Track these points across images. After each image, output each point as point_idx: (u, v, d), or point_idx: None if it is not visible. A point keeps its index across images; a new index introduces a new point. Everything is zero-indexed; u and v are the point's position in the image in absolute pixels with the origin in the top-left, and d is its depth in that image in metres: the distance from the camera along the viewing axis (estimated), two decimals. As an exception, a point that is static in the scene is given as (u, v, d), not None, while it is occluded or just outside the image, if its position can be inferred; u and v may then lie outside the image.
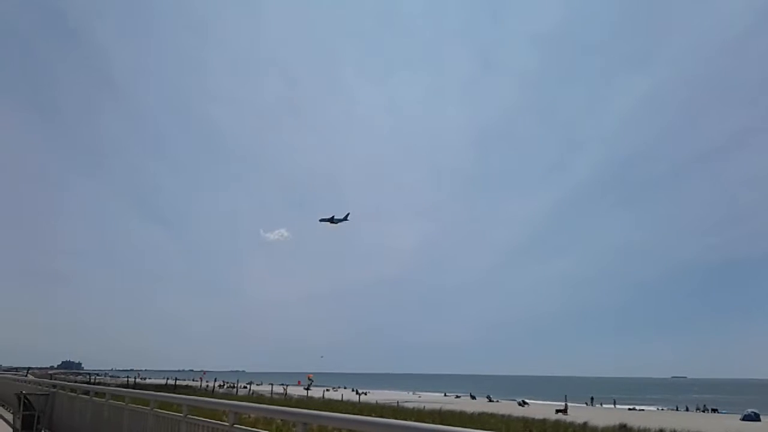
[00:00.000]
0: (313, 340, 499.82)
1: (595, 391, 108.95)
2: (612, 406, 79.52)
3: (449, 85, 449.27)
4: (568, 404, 61.19)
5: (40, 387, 20.37)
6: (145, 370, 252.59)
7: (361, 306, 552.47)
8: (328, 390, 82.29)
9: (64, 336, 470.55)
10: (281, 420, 20.90)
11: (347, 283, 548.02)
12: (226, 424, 6.45)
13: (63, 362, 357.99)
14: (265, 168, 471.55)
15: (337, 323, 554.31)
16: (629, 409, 70.97)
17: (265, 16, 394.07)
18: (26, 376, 52.42)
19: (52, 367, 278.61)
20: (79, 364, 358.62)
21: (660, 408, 78.13)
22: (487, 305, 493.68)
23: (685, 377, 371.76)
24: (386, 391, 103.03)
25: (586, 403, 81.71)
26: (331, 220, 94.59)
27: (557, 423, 32.40)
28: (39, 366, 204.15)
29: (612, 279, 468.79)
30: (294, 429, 17.12)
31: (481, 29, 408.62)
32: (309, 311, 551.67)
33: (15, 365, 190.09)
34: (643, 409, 70.30)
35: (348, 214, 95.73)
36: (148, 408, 9.18)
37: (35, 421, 15.94)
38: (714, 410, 74.80)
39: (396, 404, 49.05)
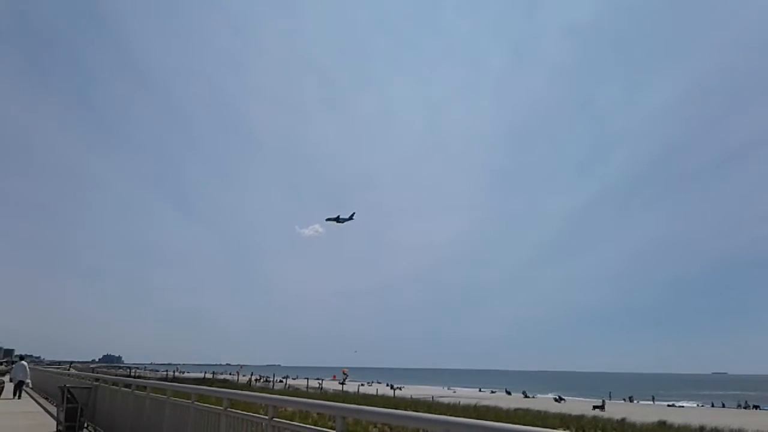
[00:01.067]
0: (347, 335, 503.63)
1: (632, 387, 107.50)
2: (650, 402, 78.26)
3: (483, 80, 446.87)
4: (605, 400, 60.39)
5: (82, 380, 20.84)
6: (183, 364, 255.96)
7: (394, 302, 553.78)
8: (362, 385, 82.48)
9: (104, 331, 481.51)
10: (317, 414, 21.15)
11: (381, 278, 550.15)
12: (266, 417, 6.49)
13: (104, 356, 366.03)
14: (300, 164, 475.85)
15: (370, 319, 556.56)
16: (668, 405, 69.70)
17: (301, 14, 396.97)
18: (69, 370, 53.65)
19: (93, 361, 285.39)
20: (119, 358, 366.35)
21: (700, 404, 76.60)
22: (522, 300, 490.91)
23: (726, 373, 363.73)
24: (421, 387, 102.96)
25: (624, 400, 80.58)
26: (337, 219, 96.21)
27: (595, 419, 32.05)
28: (81, 360, 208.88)
29: (649, 274, 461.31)
30: (330, 423, 17.23)
31: (515, 23, 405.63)
32: (343, 306, 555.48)
33: (58, 359, 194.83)
34: (682, 406, 68.98)
35: (353, 214, 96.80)
36: (189, 401, 9.30)
37: (78, 414, 16.29)
38: (756, 407, 73.04)
39: (431, 399, 49.02)
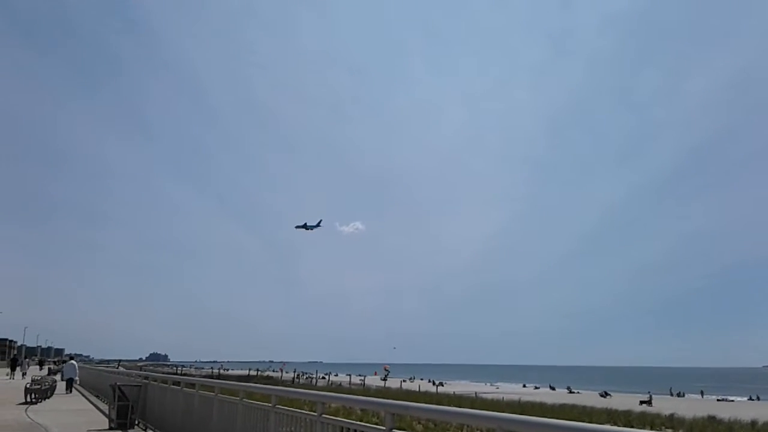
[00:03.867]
0: (386, 331, 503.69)
1: (679, 381, 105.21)
2: (699, 396, 76.51)
3: (519, 71, 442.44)
4: (653, 395, 59.26)
5: (132, 379, 21.32)
6: (227, 361, 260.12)
7: (434, 298, 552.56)
8: (404, 381, 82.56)
9: (151, 329, 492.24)
10: (360, 410, 21.22)
11: (420, 274, 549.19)
12: (315, 414, 6.54)
13: (150, 354, 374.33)
14: (339, 162, 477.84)
15: (410, 314, 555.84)
16: (718, 399, 68.01)
17: (332, 10, 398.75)
18: (117, 368, 54.95)
19: (140, 360, 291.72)
20: (166, 356, 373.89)
21: (751, 398, 74.50)
22: (564, 294, 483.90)
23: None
24: (463, 382, 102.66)
25: (671, 394, 78.96)
26: (305, 226, 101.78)
27: (642, 414, 31.52)
28: (128, 359, 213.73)
29: (693, 266, 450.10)
30: (375, 419, 17.28)
31: (551, 13, 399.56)
32: (383, 303, 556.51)
33: (106, 358, 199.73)
34: (733, 400, 67.20)
35: (320, 221, 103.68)
36: (237, 398, 9.42)
37: (129, 411, 16.69)
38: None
39: (474, 395, 48.81)
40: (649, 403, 51.12)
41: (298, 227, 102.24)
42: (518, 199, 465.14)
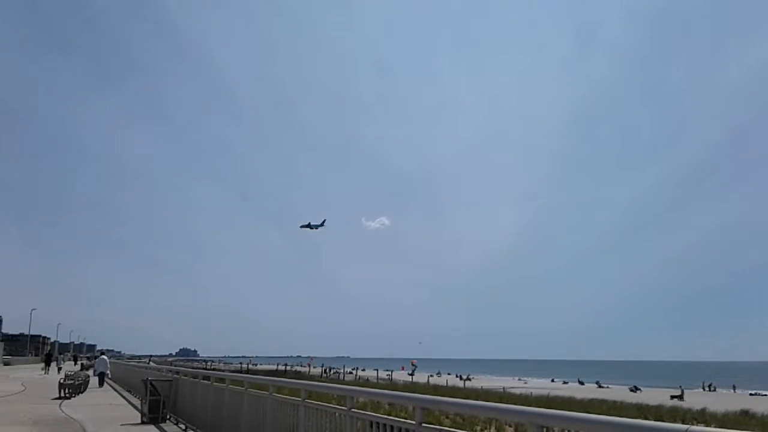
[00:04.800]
0: (412, 326, 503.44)
1: (710, 375, 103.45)
2: (731, 391, 75.31)
3: (545, 66, 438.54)
4: (684, 390, 58.47)
5: (162, 374, 21.60)
6: (255, 356, 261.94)
7: (460, 292, 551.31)
8: (431, 376, 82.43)
9: (180, 325, 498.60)
10: (388, 404, 21.27)
11: (446, 269, 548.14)
12: (344, 408, 6.56)
13: (180, 350, 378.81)
14: (364, 158, 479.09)
15: (436, 309, 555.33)
16: (751, 394, 66.85)
17: (357, 8, 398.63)
18: (148, 363, 55.75)
19: (170, 355, 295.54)
20: (195, 351, 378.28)
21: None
22: (591, 289, 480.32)
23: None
24: (490, 377, 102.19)
25: (702, 388, 77.83)
26: (309, 225, 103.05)
27: (674, 409, 31.10)
28: (158, 354, 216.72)
29: (722, 260, 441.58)
30: (402, 414, 17.29)
31: (576, 6, 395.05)
32: (409, 298, 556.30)
33: (137, 354, 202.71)
34: (766, 394, 65.97)
35: (324, 221, 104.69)
36: (267, 393, 9.49)
37: (160, 406, 16.93)
38: None
39: (502, 390, 48.61)
40: (680, 397, 50.43)
41: (302, 227, 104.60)
42: (544, 194, 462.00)
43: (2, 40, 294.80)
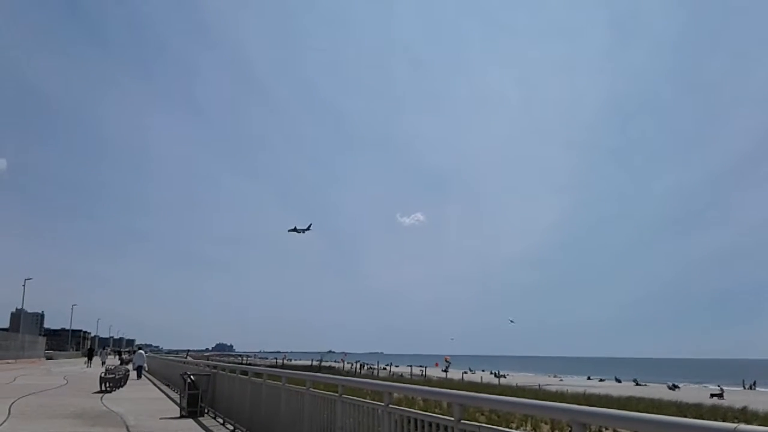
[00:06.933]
0: (446, 322, 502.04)
1: (753, 373, 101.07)
2: (773, 389, 73.54)
3: (583, 55, 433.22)
4: (724, 388, 57.26)
5: (200, 368, 21.93)
6: (290, 351, 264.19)
7: (494, 288, 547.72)
8: (465, 372, 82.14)
9: (216, 320, 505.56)
10: (422, 400, 21.27)
11: (481, 264, 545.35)
12: (382, 404, 6.57)
13: (217, 345, 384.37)
14: (399, 153, 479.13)
15: (469, 305, 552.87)
16: (794, 393, 65.15)
17: (393, 3, 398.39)
18: (186, 358, 56.68)
19: (207, 350, 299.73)
20: (231, 346, 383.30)
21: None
22: (630, 283, 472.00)
23: None
24: (525, 374, 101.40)
25: (744, 386, 76.08)
26: (295, 229, 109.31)
27: (714, 408, 30.52)
28: (196, 349, 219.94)
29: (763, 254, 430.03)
30: (437, 410, 17.28)
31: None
32: (443, 293, 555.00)
33: (175, 348, 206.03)
34: (810, 393, 64.21)
35: (310, 225, 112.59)
36: (304, 388, 9.56)
37: (199, 400, 17.20)
38: None
39: (537, 387, 48.23)
40: (720, 395, 49.44)
41: (290, 230, 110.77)
42: (582, 187, 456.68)
43: (36, 31, 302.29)
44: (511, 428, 20.16)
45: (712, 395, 49.06)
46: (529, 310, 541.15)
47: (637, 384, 75.95)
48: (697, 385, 74.21)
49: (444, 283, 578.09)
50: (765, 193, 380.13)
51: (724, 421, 24.85)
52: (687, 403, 31.15)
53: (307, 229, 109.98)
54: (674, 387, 65.40)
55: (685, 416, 25.44)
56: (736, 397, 46.58)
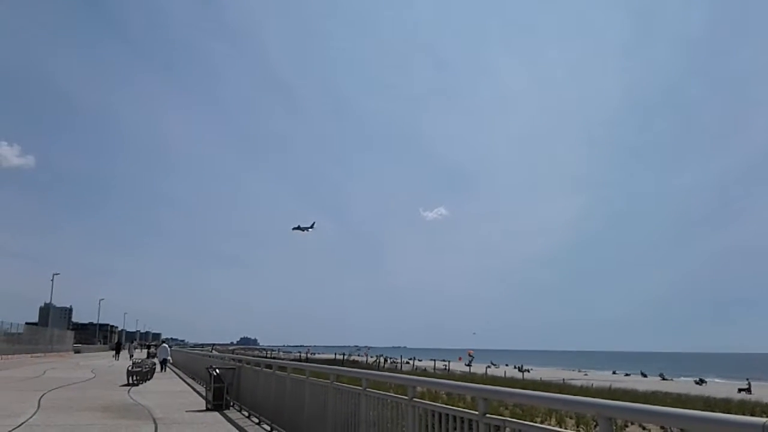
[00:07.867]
0: (469, 316, 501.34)
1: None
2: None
3: (603, 52, 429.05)
4: (752, 383, 56.43)
5: (225, 362, 22.14)
6: (314, 345, 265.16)
7: (517, 282, 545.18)
8: (489, 366, 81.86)
9: (241, 314, 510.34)
10: (445, 394, 21.28)
11: (503, 259, 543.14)
12: (406, 398, 6.59)
13: (241, 338, 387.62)
14: (421, 149, 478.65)
15: (492, 300, 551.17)
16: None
17: (413, 3, 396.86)
18: (211, 352, 57.25)
19: (231, 344, 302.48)
20: (255, 340, 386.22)
21: None
22: (650, 280, 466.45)
23: None
24: (549, 369, 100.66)
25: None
26: (299, 228, 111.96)
27: (742, 403, 30.12)
28: (220, 342, 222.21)
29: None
30: (460, 404, 17.26)
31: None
32: (465, 288, 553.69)
33: (200, 342, 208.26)
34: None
35: (314, 223, 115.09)
36: (328, 381, 9.62)
37: (224, 393, 17.37)
38: None
39: (562, 381, 47.95)
40: (748, 390, 48.79)
41: (294, 229, 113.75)
42: (604, 184, 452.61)
43: (60, 26, 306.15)
44: (535, 422, 20.11)
45: (740, 390, 48.42)
46: (554, 304, 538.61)
47: (664, 378, 75.18)
48: (723, 380, 73.22)
49: (468, 277, 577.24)
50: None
51: (752, 415, 24.49)
52: (715, 398, 30.76)
53: (311, 227, 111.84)
54: (701, 381, 64.67)
55: (713, 411, 25.15)
56: (764, 392, 45.91)
